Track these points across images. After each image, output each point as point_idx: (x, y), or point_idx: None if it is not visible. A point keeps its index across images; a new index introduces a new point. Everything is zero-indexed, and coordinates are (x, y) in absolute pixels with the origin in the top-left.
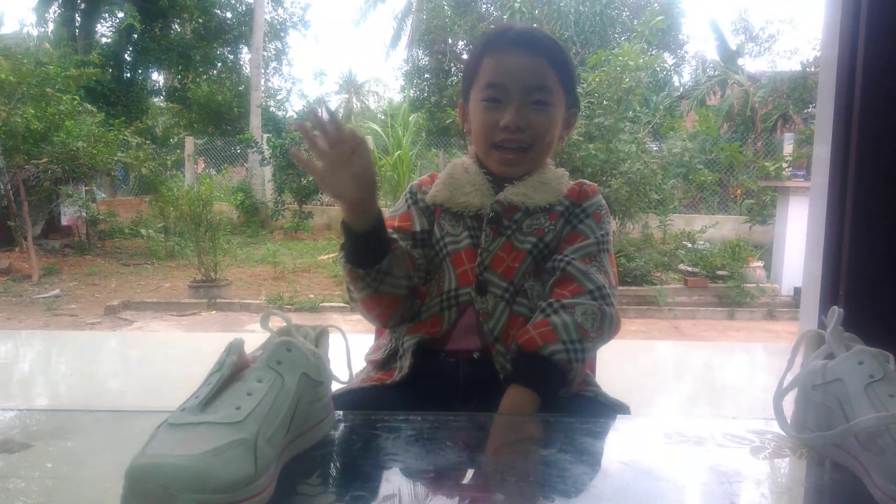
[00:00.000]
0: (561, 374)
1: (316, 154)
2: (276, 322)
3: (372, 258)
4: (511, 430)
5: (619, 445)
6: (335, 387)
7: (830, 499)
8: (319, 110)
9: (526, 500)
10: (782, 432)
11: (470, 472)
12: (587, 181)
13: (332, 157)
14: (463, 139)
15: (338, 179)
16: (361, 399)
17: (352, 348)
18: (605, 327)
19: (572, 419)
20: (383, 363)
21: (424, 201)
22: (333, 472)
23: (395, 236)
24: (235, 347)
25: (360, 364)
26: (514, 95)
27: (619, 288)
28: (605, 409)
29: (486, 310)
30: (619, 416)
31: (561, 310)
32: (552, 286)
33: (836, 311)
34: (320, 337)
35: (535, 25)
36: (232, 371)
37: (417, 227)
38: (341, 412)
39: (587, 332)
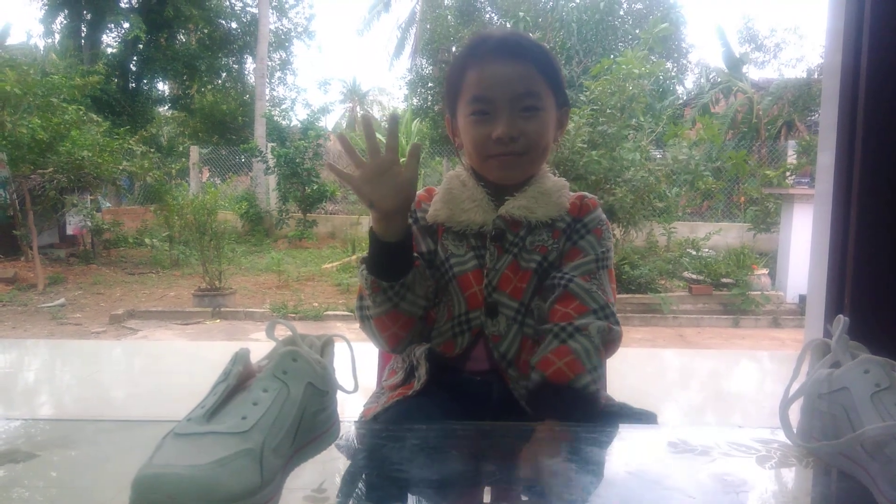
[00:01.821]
0: (589, 403)
1: (354, 162)
2: (282, 331)
3: (398, 271)
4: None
5: (624, 454)
6: (355, 409)
7: None
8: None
9: None
10: (788, 441)
11: (488, 490)
12: (588, 194)
13: (371, 166)
14: (457, 154)
15: (375, 188)
16: (395, 418)
17: (357, 358)
18: (611, 345)
19: (578, 427)
20: (404, 380)
21: (425, 220)
22: (339, 481)
23: (416, 254)
24: (241, 357)
25: (365, 374)
26: (502, 106)
27: (624, 296)
28: (632, 420)
29: (496, 332)
30: (646, 425)
31: (576, 333)
32: (552, 302)
33: (842, 320)
34: (326, 346)
35: (538, 34)
36: (237, 381)
37: (423, 248)
38: (348, 422)
39: (602, 353)
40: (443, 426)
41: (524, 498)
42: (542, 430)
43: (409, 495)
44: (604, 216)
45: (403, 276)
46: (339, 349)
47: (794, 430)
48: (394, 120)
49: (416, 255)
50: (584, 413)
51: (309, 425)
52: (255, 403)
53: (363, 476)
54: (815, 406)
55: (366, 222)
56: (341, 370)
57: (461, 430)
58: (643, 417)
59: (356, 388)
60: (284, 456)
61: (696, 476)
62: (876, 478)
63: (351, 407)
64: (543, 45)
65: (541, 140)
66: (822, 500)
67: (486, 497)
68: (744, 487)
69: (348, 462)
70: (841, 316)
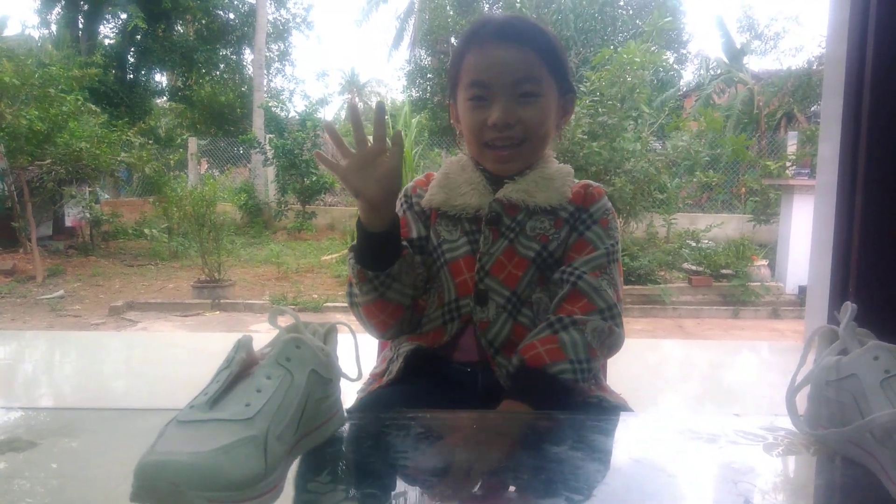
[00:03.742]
0: (564, 391)
1: (342, 153)
2: (284, 320)
3: (383, 261)
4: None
5: (630, 442)
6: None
7: (845, 495)
8: (356, 105)
9: (537, 497)
10: (795, 429)
11: (489, 485)
12: (593, 182)
13: (357, 156)
14: (458, 143)
15: (361, 178)
16: (373, 407)
17: (360, 346)
18: (610, 346)
19: (584, 416)
20: (384, 371)
21: (420, 205)
22: (343, 469)
23: (405, 242)
24: (244, 344)
25: (368, 363)
26: (499, 91)
27: (624, 287)
28: (608, 413)
29: (485, 319)
30: (629, 413)
31: (571, 326)
32: (560, 300)
33: (850, 307)
34: (329, 334)
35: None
36: (241, 368)
37: (414, 234)
38: (350, 410)
39: (595, 350)
40: (445, 415)
41: (528, 487)
42: (541, 417)
43: (413, 484)
44: (610, 205)
45: (389, 266)
46: (342, 338)
47: (801, 418)
48: (380, 109)
49: (404, 243)
50: (556, 400)
51: (313, 413)
52: (258, 390)
53: (367, 464)
54: (822, 393)
55: None
56: (344, 359)
57: (463, 419)
58: (619, 411)
59: (360, 376)
60: (288, 443)
61: (702, 464)
62: (885, 465)
63: (353, 396)
64: (547, 30)
65: (539, 127)
66: (829, 487)
67: (488, 486)
68: (750, 475)
69: (352, 450)
70: (848, 303)
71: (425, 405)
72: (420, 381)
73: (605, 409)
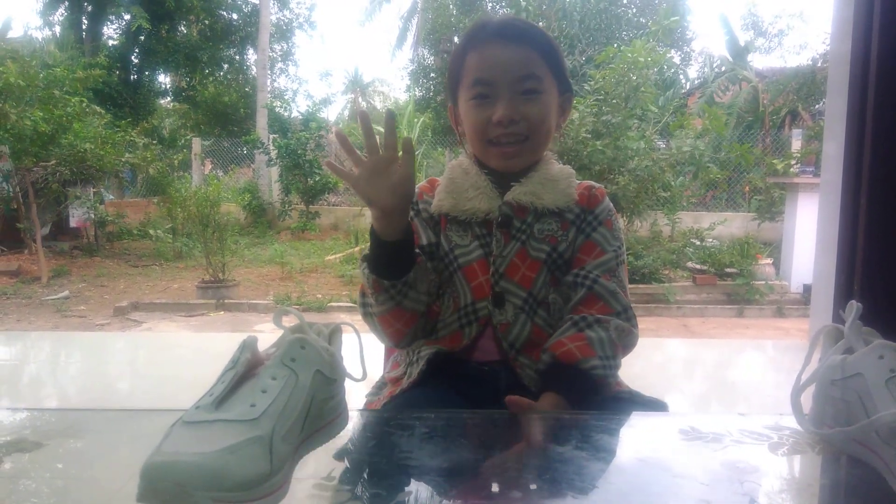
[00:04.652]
0: (595, 387)
1: (353, 161)
2: (289, 320)
3: (399, 269)
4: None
5: (635, 442)
6: (361, 399)
7: (850, 494)
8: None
9: (543, 496)
10: (800, 428)
11: (495, 485)
12: (595, 184)
13: (369, 164)
14: (460, 143)
15: (374, 186)
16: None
17: (365, 347)
18: (627, 346)
19: (588, 415)
20: (404, 374)
21: (427, 211)
22: (348, 469)
23: (418, 249)
24: (249, 345)
25: (373, 364)
26: (503, 88)
27: (628, 286)
28: (642, 408)
29: (504, 321)
30: (655, 412)
31: (595, 325)
32: (577, 304)
33: (855, 306)
34: (333, 334)
35: (541, 22)
36: (246, 368)
37: (424, 240)
38: (356, 410)
39: (618, 348)
40: (451, 415)
41: (532, 486)
42: (549, 416)
43: (418, 484)
44: (611, 206)
45: (405, 274)
46: (347, 339)
47: (806, 417)
48: (390, 117)
49: (417, 250)
50: (590, 395)
51: (318, 413)
52: (263, 391)
53: (372, 464)
54: (827, 392)
55: (368, 213)
56: (349, 359)
57: (470, 419)
58: (654, 405)
59: (364, 377)
60: (293, 444)
61: (707, 463)
62: (890, 464)
63: (357, 396)
64: (544, 31)
65: (542, 124)
66: (834, 486)
67: (494, 487)
68: (755, 474)
69: (357, 450)
70: (854, 301)
71: (450, 406)
72: (441, 382)
73: (638, 404)
